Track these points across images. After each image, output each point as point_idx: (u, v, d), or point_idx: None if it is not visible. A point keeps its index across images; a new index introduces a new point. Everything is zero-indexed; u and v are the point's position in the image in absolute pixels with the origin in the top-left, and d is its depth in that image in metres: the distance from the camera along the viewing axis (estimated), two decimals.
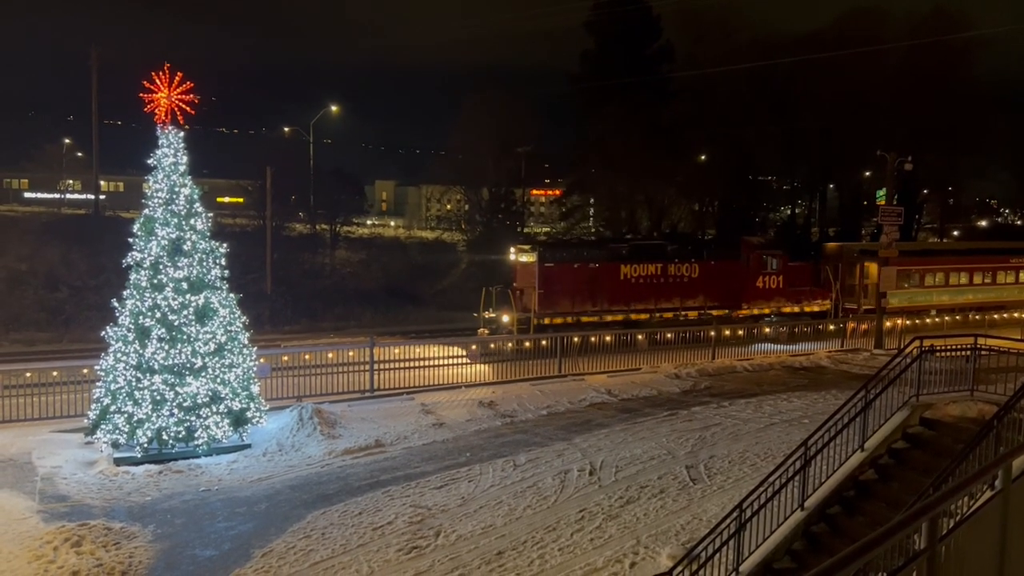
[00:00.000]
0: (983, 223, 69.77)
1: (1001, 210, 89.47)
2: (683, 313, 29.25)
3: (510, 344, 24.30)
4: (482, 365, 23.23)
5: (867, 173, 53.73)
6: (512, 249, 29.95)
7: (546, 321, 26.77)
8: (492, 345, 24.37)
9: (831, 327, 29.99)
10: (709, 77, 47.79)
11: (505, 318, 26.74)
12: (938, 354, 11.58)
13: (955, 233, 64.74)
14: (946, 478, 8.41)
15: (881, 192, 32.22)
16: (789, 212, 62.97)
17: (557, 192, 62.09)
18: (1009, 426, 9.06)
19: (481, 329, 27.40)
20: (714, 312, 29.28)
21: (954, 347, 11.87)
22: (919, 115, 46.73)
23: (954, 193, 63.14)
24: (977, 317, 34.30)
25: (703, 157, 52.78)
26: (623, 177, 48.85)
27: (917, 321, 32.32)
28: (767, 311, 31.02)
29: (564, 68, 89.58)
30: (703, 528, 11.51)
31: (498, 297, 27.36)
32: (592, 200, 56.50)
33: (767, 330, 28.78)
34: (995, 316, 34.29)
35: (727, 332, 27.51)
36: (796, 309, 31.57)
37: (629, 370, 24.14)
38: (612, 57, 48.91)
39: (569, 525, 12.23)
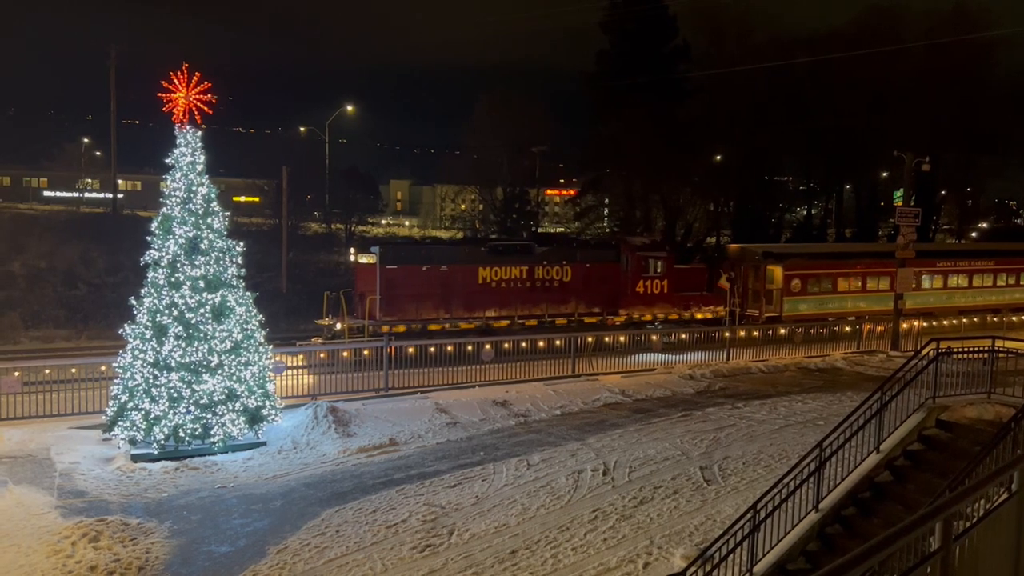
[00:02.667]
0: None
1: (1020, 211, 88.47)
2: (552, 319, 27.12)
3: (345, 353, 21.61)
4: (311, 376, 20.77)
5: (884, 173, 53.38)
6: (352, 249, 27.74)
7: (385, 329, 24.33)
8: (322, 355, 21.49)
9: (846, 328, 29.71)
10: (725, 76, 47.61)
11: (339, 325, 24.47)
12: (955, 356, 11.50)
13: (973, 235, 64.16)
14: (962, 480, 8.36)
15: (898, 193, 31.92)
16: (805, 213, 62.65)
17: (572, 192, 62.02)
18: None
19: (315, 338, 25.29)
20: (587, 319, 27.47)
21: (971, 349, 11.78)
22: (938, 115, 46.37)
23: (972, 194, 62.56)
24: (995, 319, 33.87)
25: (719, 157, 52.60)
26: (638, 177, 48.73)
27: (934, 323, 32.01)
28: (648, 317, 28.66)
29: (579, 68, 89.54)
30: (717, 529, 11.48)
31: (339, 302, 24.94)
32: (607, 200, 56.40)
33: (654, 337, 25.90)
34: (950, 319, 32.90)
35: (742, 333, 27.39)
36: (684, 315, 29.37)
37: (643, 370, 24.08)
38: (628, 56, 48.83)
39: (583, 525, 12.23)
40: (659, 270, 29.14)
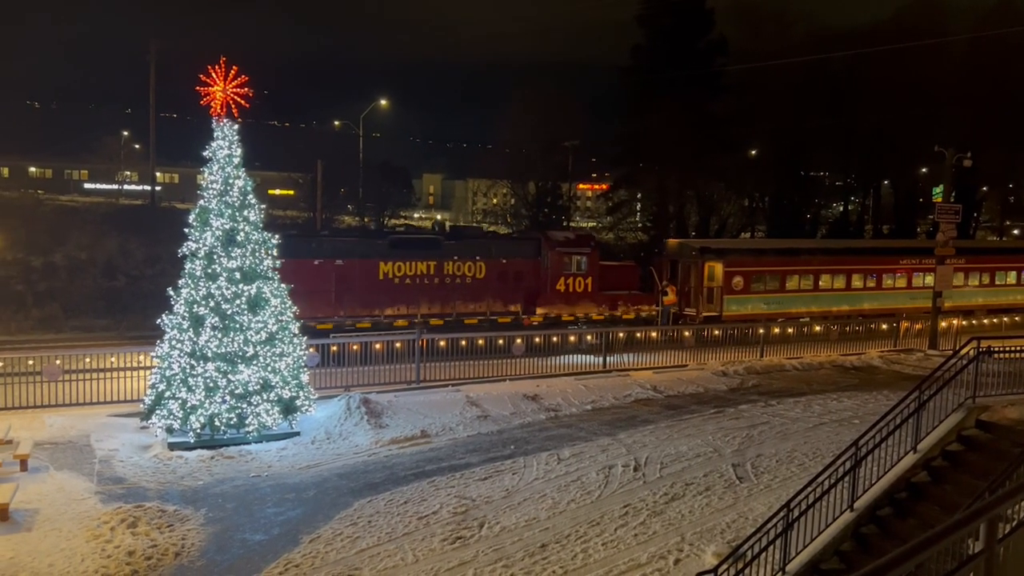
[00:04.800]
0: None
1: None
2: (462, 318, 25.65)
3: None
4: None
5: (924, 169, 52.41)
6: None
7: None
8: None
9: (883, 326, 29.20)
10: (762, 71, 47.02)
11: None
12: (996, 356, 11.28)
13: (1015, 232, 62.79)
14: (1003, 481, 8.20)
15: (938, 189, 31.23)
16: (842, 209, 61.75)
17: (604, 186, 61.75)
18: None
19: None
20: (501, 319, 26.11)
21: (1013, 348, 11.55)
22: (980, 110, 45.43)
23: (1015, 190, 61.27)
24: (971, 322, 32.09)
25: (754, 152, 51.98)
26: (672, 172, 48.37)
27: (971, 322, 31.34)
28: (569, 317, 26.99)
29: (614, 62, 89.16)
30: (749, 527, 11.40)
31: None
32: (640, 195, 56.09)
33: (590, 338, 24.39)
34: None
35: (776, 330, 27.08)
36: (610, 314, 27.78)
37: (675, 366, 23.93)
38: (664, 51, 48.42)
39: (613, 520, 12.21)
40: (582, 267, 27.64)
